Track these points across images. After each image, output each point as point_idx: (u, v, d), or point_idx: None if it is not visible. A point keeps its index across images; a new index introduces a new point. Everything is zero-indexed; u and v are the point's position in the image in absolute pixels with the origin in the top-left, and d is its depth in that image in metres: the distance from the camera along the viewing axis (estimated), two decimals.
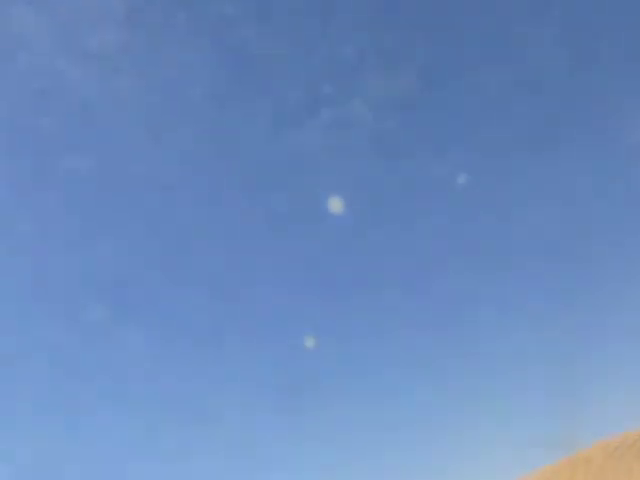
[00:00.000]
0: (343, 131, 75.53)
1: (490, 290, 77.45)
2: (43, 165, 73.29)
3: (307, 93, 75.06)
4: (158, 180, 76.90)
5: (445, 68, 77.49)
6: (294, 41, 76.58)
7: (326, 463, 64.61)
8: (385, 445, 67.40)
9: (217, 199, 79.31)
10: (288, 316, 76.31)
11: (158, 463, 63.16)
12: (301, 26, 75.36)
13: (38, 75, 69.14)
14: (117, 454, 63.81)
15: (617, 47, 73.48)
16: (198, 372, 72.42)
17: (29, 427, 62.55)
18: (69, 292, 73.69)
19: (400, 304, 76.48)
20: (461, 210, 78.32)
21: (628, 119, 69.64)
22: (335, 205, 63.16)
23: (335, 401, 69.35)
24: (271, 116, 76.83)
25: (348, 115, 72.85)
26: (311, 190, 73.62)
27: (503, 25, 77.41)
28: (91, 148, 74.39)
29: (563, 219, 76.76)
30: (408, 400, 70.14)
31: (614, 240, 73.21)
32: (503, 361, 70.04)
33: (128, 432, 66.52)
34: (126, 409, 68.58)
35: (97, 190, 76.63)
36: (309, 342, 61.75)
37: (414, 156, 79.83)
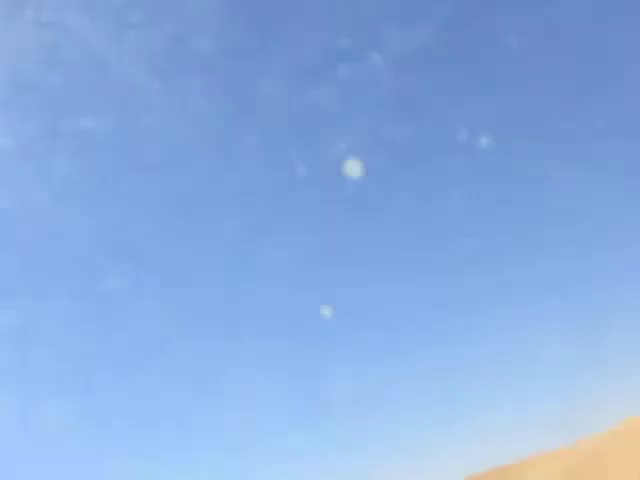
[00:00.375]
0: (361, 87, 73.60)
1: (509, 254, 76.85)
2: (53, 122, 72.59)
3: (324, 47, 73.04)
4: (171, 139, 76.03)
5: (466, 21, 74.60)
6: None
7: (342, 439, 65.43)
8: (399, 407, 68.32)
9: (231, 158, 78.40)
10: (303, 283, 76.17)
11: (173, 427, 64.01)
12: None
13: (46, 29, 67.84)
14: (134, 424, 64.84)
15: None
16: (213, 340, 72.89)
17: (45, 398, 63.54)
18: (84, 260, 74.10)
19: (419, 269, 76.09)
20: (482, 171, 76.76)
21: None
22: (353, 167, 62.30)
23: (354, 368, 69.69)
24: (286, 71, 75.15)
25: (366, 70, 70.87)
26: (328, 149, 72.38)
27: None
28: (101, 104, 73.45)
29: (588, 186, 74.84)
30: (423, 367, 70.39)
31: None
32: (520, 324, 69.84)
33: (144, 401, 67.47)
34: (142, 377, 69.40)
35: (108, 149, 75.97)
36: (326, 311, 61.36)
37: (434, 113, 77.90)
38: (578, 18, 72.82)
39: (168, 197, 77.92)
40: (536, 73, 77.33)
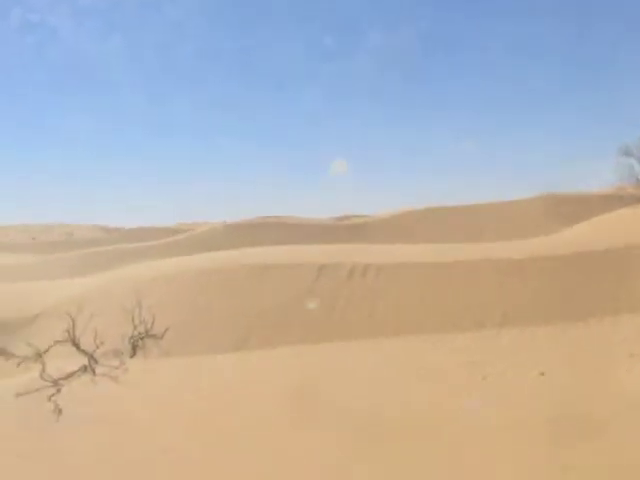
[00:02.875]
0: (344, 87, 72.80)
1: None
2: (39, 120, 76.74)
3: (308, 48, 71.78)
4: (155, 139, 78.82)
5: (448, 22, 72.34)
6: None
7: None
8: None
9: (215, 154, 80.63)
10: None
11: None
12: None
13: (32, 31, 70.21)
14: None
15: None
16: None
17: None
18: None
19: None
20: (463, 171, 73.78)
21: None
22: (338, 166, 63.04)
23: None
24: (271, 72, 74.11)
25: (350, 70, 69.54)
26: (313, 148, 73.07)
27: None
28: (85, 103, 76.35)
29: None
30: None
31: None
32: None
33: None
34: None
35: (93, 148, 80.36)
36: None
37: (417, 113, 77.36)
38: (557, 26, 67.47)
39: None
40: (517, 75, 74.59)
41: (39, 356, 13.34)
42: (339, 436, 9.03)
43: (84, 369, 13.31)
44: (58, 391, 12.22)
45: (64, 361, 13.41)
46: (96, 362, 13.76)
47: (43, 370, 12.79)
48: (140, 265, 22.28)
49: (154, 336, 14.67)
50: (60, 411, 11.25)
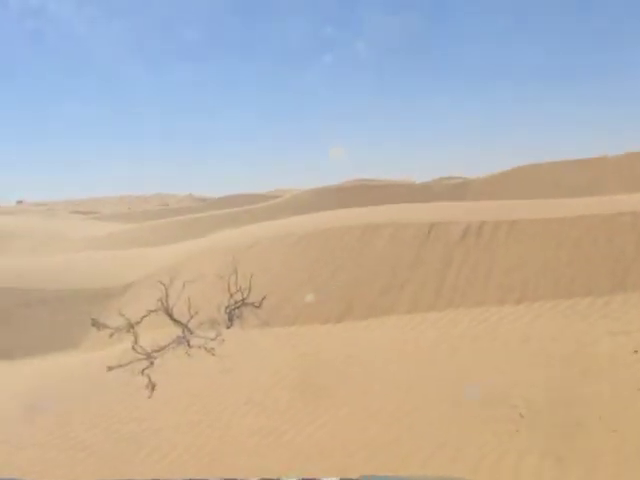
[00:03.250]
0: (346, 74, 69.72)
1: None
2: (41, 108, 77.13)
3: (309, 35, 69.40)
4: (158, 124, 78.30)
5: (448, 6, 68.57)
6: None
7: None
8: None
9: (216, 140, 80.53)
10: None
11: None
12: None
13: (31, 17, 70.20)
14: None
15: None
16: None
17: None
18: None
19: None
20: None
21: None
22: (336, 153, 62.92)
23: None
24: (272, 59, 72.11)
25: (351, 57, 66.55)
26: (314, 135, 71.05)
27: None
28: (87, 90, 76.13)
29: None
30: None
31: None
32: None
33: None
34: None
35: (97, 137, 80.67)
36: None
37: (418, 99, 74.13)
38: None
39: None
40: (516, 60, 69.67)
41: (131, 327, 12.62)
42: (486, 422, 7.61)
43: (178, 341, 12.48)
44: (151, 364, 11.42)
45: (157, 332, 12.65)
46: (191, 333, 12.91)
47: (136, 342, 12.04)
48: (234, 231, 21.43)
49: (252, 304, 13.65)
50: (153, 386, 10.43)
